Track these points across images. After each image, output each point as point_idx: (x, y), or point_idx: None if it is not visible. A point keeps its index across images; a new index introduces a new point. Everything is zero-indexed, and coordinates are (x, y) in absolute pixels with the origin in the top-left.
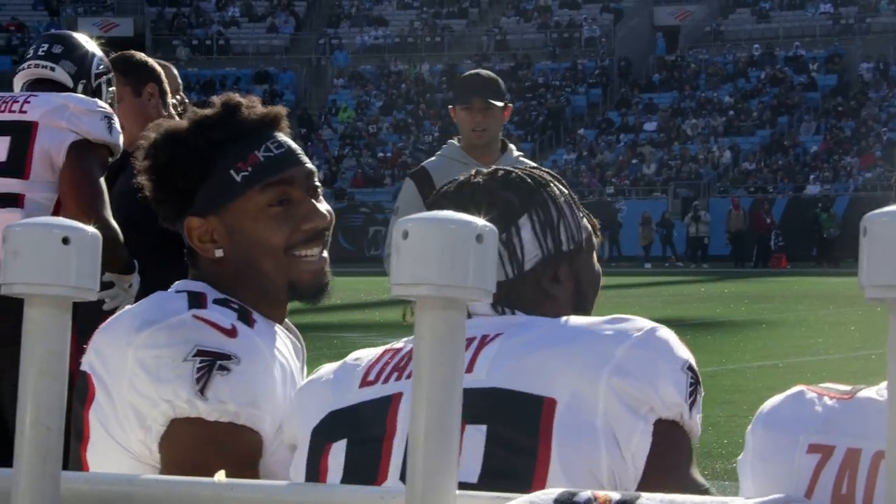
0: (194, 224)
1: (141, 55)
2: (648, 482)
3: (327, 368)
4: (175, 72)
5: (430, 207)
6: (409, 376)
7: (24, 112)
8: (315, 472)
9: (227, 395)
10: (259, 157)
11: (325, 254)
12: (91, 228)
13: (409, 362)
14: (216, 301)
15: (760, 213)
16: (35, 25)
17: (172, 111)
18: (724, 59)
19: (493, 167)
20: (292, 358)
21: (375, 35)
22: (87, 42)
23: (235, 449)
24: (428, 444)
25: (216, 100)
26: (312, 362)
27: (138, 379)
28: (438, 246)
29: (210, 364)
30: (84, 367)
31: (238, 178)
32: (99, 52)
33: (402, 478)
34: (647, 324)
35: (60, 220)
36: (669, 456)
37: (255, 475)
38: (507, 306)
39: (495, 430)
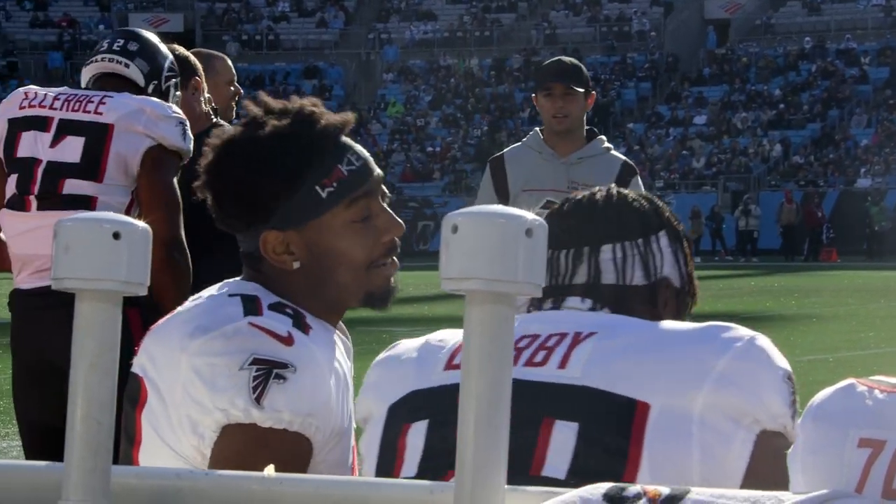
0: (272, 238)
1: (182, 49)
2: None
3: (407, 346)
4: (229, 63)
5: (550, 219)
6: None
7: (100, 113)
8: (392, 450)
9: (282, 403)
10: (343, 171)
11: (396, 259)
12: (142, 224)
13: None
14: (271, 306)
15: (811, 207)
16: (87, 21)
17: (207, 106)
18: (775, 52)
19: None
20: (345, 360)
21: (424, 29)
22: (160, 43)
23: (285, 455)
24: (477, 439)
25: (273, 102)
26: (361, 357)
27: (192, 386)
28: (488, 240)
29: (267, 373)
30: (136, 369)
31: (324, 195)
32: (170, 55)
33: None
34: (745, 332)
35: (111, 214)
36: (775, 466)
37: None
38: (611, 309)
39: (586, 428)
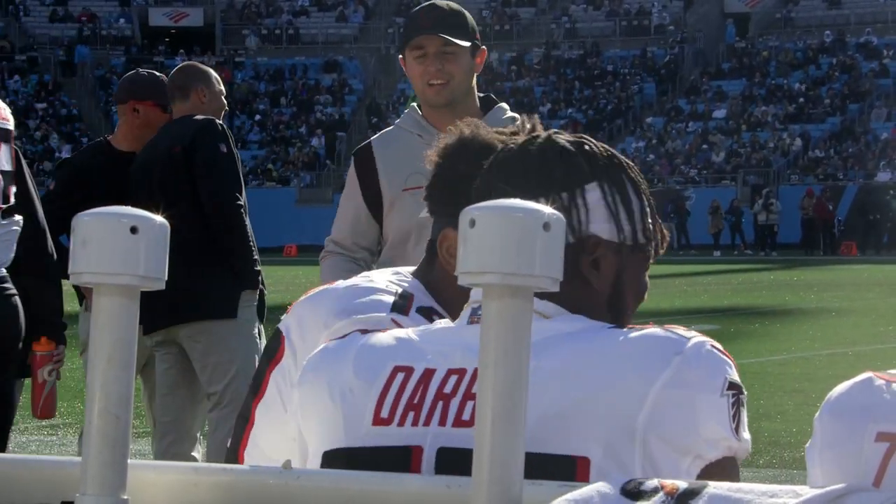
0: (451, 236)
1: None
2: None
3: (337, 351)
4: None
5: (483, 175)
6: (426, 421)
7: (7, 119)
8: None
9: None
10: None
11: None
12: (159, 218)
13: (426, 394)
14: (419, 309)
15: (822, 201)
16: (106, 17)
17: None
18: (795, 46)
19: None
20: None
21: None
22: None
23: None
24: (494, 432)
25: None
26: None
27: None
28: (505, 234)
29: None
30: (282, 327)
31: None
32: None
33: None
34: (678, 348)
35: (128, 209)
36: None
37: None
38: None
39: None
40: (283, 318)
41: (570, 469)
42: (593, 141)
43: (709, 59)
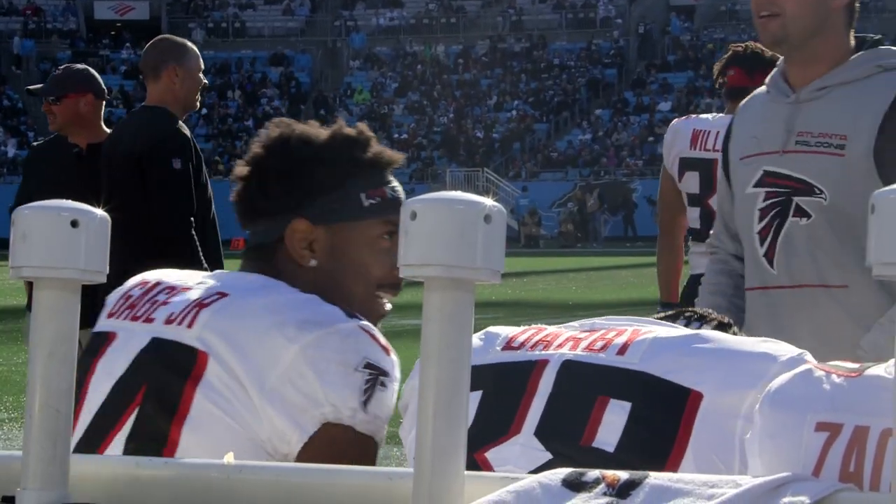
0: (301, 227)
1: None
2: None
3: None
4: (198, 53)
5: None
6: (558, 346)
7: None
8: None
9: (380, 410)
10: (387, 192)
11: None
12: (100, 212)
13: (556, 338)
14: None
15: None
16: (52, 10)
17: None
18: (740, 39)
19: None
20: None
21: (391, 16)
22: None
23: (368, 459)
24: (436, 425)
25: (343, 125)
26: None
27: (302, 378)
28: (446, 226)
29: (375, 379)
30: (195, 343)
31: (366, 203)
32: None
33: (538, 434)
34: (795, 351)
35: (69, 203)
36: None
37: None
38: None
39: (639, 408)
40: (190, 333)
41: (682, 399)
42: None
43: (654, 51)
